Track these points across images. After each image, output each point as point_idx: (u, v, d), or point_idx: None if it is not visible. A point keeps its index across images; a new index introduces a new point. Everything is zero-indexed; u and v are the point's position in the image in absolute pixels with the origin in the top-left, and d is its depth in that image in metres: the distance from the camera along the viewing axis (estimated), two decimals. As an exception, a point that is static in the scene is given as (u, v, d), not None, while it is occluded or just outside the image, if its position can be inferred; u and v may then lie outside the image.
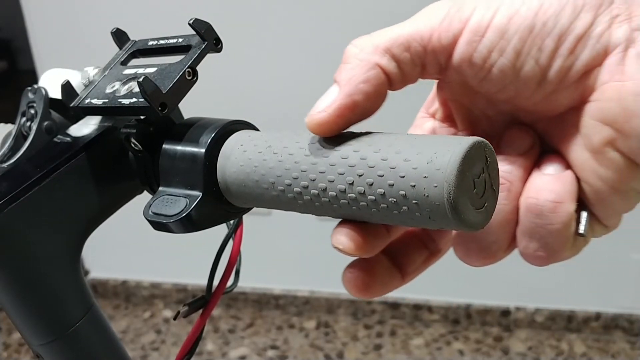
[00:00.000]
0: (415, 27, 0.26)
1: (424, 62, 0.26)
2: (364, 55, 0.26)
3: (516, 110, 0.27)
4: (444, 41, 0.25)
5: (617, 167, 0.24)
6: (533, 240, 0.26)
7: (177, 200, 0.29)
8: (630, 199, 0.25)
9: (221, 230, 0.35)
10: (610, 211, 0.26)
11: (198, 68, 0.30)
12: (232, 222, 0.37)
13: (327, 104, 0.26)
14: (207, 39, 0.30)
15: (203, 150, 0.29)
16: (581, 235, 0.26)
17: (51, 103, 0.34)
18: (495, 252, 0.27)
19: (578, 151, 0.26)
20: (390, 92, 0.27)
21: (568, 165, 0.26)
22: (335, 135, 0.26)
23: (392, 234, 0.29)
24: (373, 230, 0.27)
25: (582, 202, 0.26)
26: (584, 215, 0.26)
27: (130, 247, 1.78)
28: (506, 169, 0.27)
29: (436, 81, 0.29)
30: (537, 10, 0.24)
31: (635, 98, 0.23)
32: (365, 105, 0.26)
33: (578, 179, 0.26)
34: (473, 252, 0.28)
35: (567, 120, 0.26)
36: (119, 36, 0.35)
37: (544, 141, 0.28)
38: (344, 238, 0.26)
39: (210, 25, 0.30)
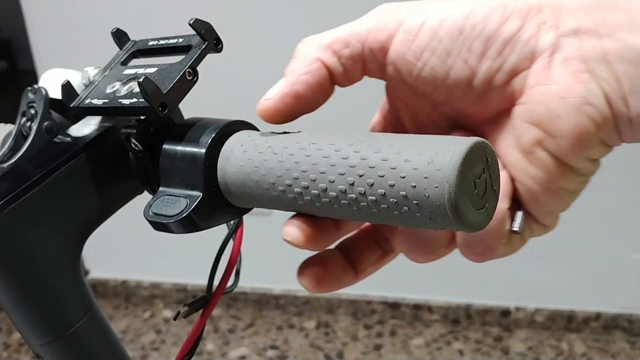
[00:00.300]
0: (356, 26, 0.28)
1: (364, 59, 0.28)
2: (308, 51, 0.29)
3: (456, 115, 0.29)
4: (380, 39, 0.27)
5: (546, 167, 0.26)
6: (469, 237, 0.28)
7: (178, 200, 0.29)
8: (563, 199, 0.27)
9: (221, 230, 0.35)
10: (544, 210, 0.27)
11: (198, 68, 0.30)
12: (232, 222, 0.37)
13: (273, 93, 0.28)
14: (208, 39, 0.30)
15: (203, 150, 0.29)
16: (515, 232, 0.28)
17: (51, 103, 0.34)
18: (436, 248, 0.29)
19: (511, 152, 0.27)
20: (359, 95, 0.28)
21: (503, 166, 0.27)
22: (334, 135, 0.26)
23: (342, 230, 0.30)
24: (322, 224, 0.28)
25: (517, 202, 0.28)
26: (518, 214, 0.28)
27: (130, 247, 1.78)
28: None
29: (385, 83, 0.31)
30: (467, 15, 0.26)
31: (559, 101, 0.24)
32: (307, 96, 0.28)
33: (513, 180, 0.27)
34: (415, 248, 0.29)
35: (500, 122, 0.27)
36: (119, 36, 0.35)
37: None
38: (293, 230, 0.28)
39: (211, 26, 0.30)
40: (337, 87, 0.30)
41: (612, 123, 0.24)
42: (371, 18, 0.28)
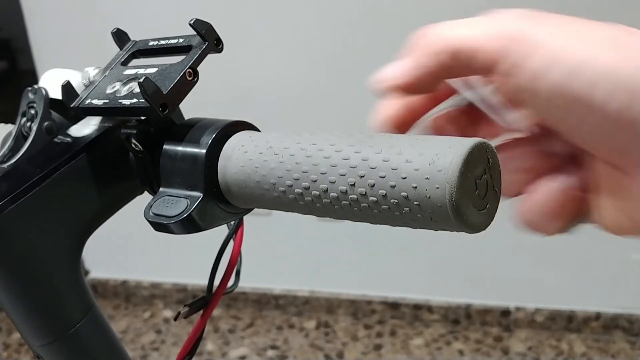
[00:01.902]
0: (485, 47, 0.24)
1: (474, 69, 0.25)
2: (431, 48, 0.26)
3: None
4: (498, 69, 0.24)
5: None
6: None
7: (178, 201, 0.29)
8: None
9: (222, 230, 0.35)
10: None
11: (199, 68, 0.30)
12: (232, 222, 0.37)
13: (395, 72, 0.27)
14: (208, 39, 0.30)
15: (204, 151, 0.29)
16: None
17: (51, 103, 0.34)
18: None
19: None
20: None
21: None
22: (335, 135, 0.26)
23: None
24: None
25: None
26: None
27: (130, 247, 1.78)
28: None
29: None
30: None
31: None
32: (426, 82, 0.27)
33: None
34: None
35: None
36: (120, 36, 0.35)
37: None
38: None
39: (211, 26, 0.30)
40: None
41: None
42: (503, 41, 0.24)
